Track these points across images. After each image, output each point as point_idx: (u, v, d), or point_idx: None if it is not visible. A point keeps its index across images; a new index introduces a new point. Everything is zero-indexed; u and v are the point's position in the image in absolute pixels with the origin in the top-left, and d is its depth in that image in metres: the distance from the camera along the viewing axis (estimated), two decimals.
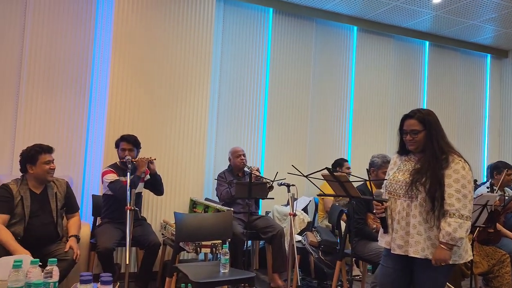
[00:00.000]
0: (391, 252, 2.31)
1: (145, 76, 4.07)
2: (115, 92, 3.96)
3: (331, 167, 4.81)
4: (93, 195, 3.82)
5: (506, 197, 4.20)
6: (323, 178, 2.31)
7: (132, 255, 3.90)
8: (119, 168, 3.60)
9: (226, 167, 4.28)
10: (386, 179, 2.34)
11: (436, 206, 2.18)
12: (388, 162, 3.02)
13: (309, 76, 5.15)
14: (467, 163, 2.26)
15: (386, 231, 2.32)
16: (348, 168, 4.72)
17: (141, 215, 3.80)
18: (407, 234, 2.24)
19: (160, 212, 4.09)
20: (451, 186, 2.17)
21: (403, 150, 2.40)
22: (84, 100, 4.06)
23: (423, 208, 2.20)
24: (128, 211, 3.05)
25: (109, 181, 3.47)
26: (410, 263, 2.32)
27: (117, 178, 3.50)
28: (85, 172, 4.05)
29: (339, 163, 4.76)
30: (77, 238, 3.09)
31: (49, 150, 3.06)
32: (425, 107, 5.63)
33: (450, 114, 6.04)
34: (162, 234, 3.85)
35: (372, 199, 2.29)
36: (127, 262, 2.92)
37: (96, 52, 4.10)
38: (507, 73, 6.42)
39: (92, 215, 3.76)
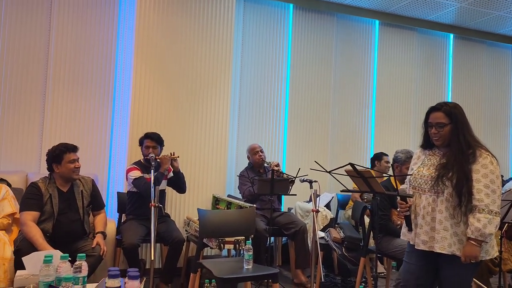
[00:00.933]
0: (415, 247, 2.28)
1: (167, 76, 4.12)
2: (138, 92, 4.01)
3: (370, 160, 4.76)
4: (118, 193, 3.89)
5: None
6: (346, 174, 2.29)
7: (157, 251, 3.96)
8: (143, 166, 3.66)
9: (246, 165, 4.29)
10: (410, 174, 2.30)
11: (463, 201, 2.13)
12: (412, 157, 2.96)
13: (331, 71, 5.11)
14: (495, 157, 2.21)
15: (410, 229, 2.29)
16: (387, 162, 4.60)
17: (165, 212, 3.85)
18: (432, 229, 2.20)
19: (183, 209, 4.14)
20: (479, 181, 2.12)
21: (427, 144, 2.36)
22: (108, 100, 4.14)
23: (450, 203, 2.16)
24: (152, 208, 3.11)
25: (134, 177, 3.53)
26: (434, 259, 2.29)
27: (141, 175, 3.55)
28: (110, 170, 4.13)
29: (378, 157, 4.65)
30: (104, 235, 3.15)
31: (73, 149, 3.12)
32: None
33: (475, 108, 5.90)
34: (186, 230, 3.89)
35: (396, 194, 2.26)
36: (152, 258, 2.97)
37: (119, 53, 4.17)
38: None
39: (118, 212, 3.83)
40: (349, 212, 4.61)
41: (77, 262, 1.73)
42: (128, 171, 3.60)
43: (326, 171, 2.36)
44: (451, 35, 5.80)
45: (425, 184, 2.25)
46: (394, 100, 5.41)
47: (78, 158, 3.14)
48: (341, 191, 2.55)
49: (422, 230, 2.24)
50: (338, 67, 5.19)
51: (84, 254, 1.79)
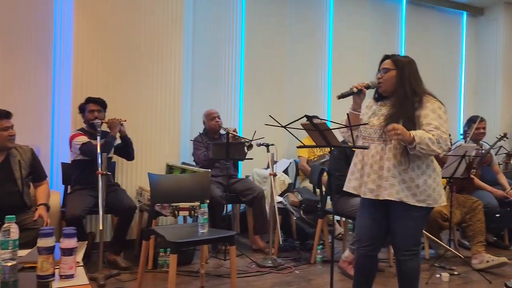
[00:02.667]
0: (362, 196, 2.28)
1: (112, 36, 3.83)
2: (80, 54, 3.71)
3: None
4: (62, 163, 3.64)
5: (482, 151, 4.23)
6: (302, 128, 2.21)
7: (108, 223, 3.77)
8: (88, 132, 3.43)
9: (202, 131, 4.15)
10: (366, 123, 2.26)
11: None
12: None
13: (286, 35, 4.99)
14: (444, 105, 2.23)
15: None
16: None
17: (115, 181, 3.66)
18: (380, 178, 2.20)
19: (135, 178, 3.93)
20: (427, 116, 2.14)
21: (379, 96, 2.35)
22: (47, 62, 3.79)
23: (397, 150, 2.16)
24: (100, 176, 2.93)
25: (81, 143, 3.30)
26: (385, 212, 2.29)
27: (88, 140, 3.33)
28: (53, 140, 3.85)
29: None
30: (47, 207, 2.96)
31: (6, 115, 2.88)
32: None
33: (427, 73, 5.86)
34: (139, 201, 3.72)
35: (352, 147, 2.21)
36: (101, 228, 2.81)
37: (58, 9, 3.82)
38: (483, 31, 6.38)
39: (63, 183, 3.60)
40: (304, 183, 4.60)
41: (5, 225, 1.55)
42: (73, 137, 3.36)
43: (281, 126, 2.26)
44: (404, 1, 5.82)
45: (375, 133, 2.24)
46: (350, 63, 5.37)
47: (12, 125, 2.90)
48: (297, 147, 2.48)
49: (370, 179, 2.23)
50: (294, 30, 5.07)
51: (14, 216, 1.60)
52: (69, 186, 3.54)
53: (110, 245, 3.35)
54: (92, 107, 3.42)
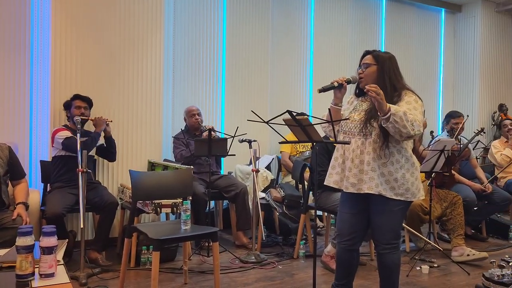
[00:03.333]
0: (344, 190, 2.30)
1: (91, 33, 3.76)
2: (58, 51, 3.64)
3: None
4: (41, 161, 3.57)
5: (461, 146, 4.31)
6: (284, 123, 2.21)
7: (89, 221, 3.72)
8: (71, 129, 3.41)
9: (183, 128, 4.13)
10: (347, 119, 2.29)
11: (389, 141, 2.18)
12: None
13: (268, 32, 4.98)
14: (421, 99, 2.26)
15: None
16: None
17: (96, 179, 3.62)
18: (360, 172, 2.22)
19: (116, 176, 3.89)
20: (402, 106, 2.15)
21: (360, 92, 2.37)
22: (25, 59, 3.71)
23: (377, 144, 2.19)
24: (80, 173, 2.89)
25: (64, 137, 3.27)
26: (366, 206, 2.32)
27: (72, 135, 3.29)
28: (32, 138, 3.77)
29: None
30: (26, 205, 2.90)
31: None
32: None
33: (406, 69, 6.07)
34: (120, 198, 3.68)
35: (334, 142, 2.23)
36: (82, 226, 2.77)
37: (35, 4, 3.73)
38: (460, 27, 6.51)
39: (42, 182, 3.53)
40: (286, 179, 4.63)
41: None
42: (56, 132, 3.33)
43: (263, 121, 2.26)
44: None
45: (355, 128, 2.27)
46: (331, 59, 5.41)
47: None
48: (280, 142, 2.49)
49: (351, 173, 2.25)
50: (276, 27, 5.07)
51: None
52: (48, 185, 3.47)
53: (92, 243, 3.31)
54: (79, 103, 3.40)
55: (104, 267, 3.17)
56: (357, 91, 2.40)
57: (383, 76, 2.24)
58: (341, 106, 2.35)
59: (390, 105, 2.07)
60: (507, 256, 2.24)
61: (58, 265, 1.64)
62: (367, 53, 2.33)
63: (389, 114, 2.05)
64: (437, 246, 3.61)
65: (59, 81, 3.65)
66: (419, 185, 2.29)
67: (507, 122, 4.87)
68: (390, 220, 2.27)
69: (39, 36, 3.75)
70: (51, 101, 3.62)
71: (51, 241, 1.51)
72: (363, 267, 3.39)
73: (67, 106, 3.45)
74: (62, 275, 1.63)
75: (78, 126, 3.14)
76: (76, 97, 3.44)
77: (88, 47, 3.75)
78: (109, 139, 3.57)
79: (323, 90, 2.23)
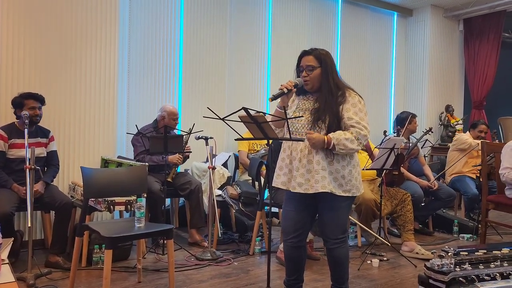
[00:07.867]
0: (291, 191, 2.32)
1: (42, 27, 3.61)
2: (5, 45, 3.46)
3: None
4: None
5: (410, 144, 4.51)
6: (240, 120, 2.23)
7: (38, 220, 3.58)
8: (18, 130, 3.23)
9: (150, 123, 4.04)
10: (296, 117, 2.32)
11: None
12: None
13: (226, 27, 4.97)
14: (362, 98, 2.34)
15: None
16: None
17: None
18: (308, 171, 2.26)
19: (67, 174, 3.76)
20: (348, 110, 2.25)
21: (300, 90, 2.39)
22: None
23: None
24: (28, 170, 2.77)
25: None
26: (312, 204, 2.36)
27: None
28: None
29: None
30: None
31: None
32: (338, 64, 5.79)
33: (360, 70, 6.27)
34: (72, 196, 3.55)
35: (289, 139, 2.27)
36: (29, 225, 2.66)
37: None
38: (411, 31, 6.78)
39: None
40: (243, 176, 4.65)
41: None
42: None
43: (219, 118, 2.27)
44: (340, 0, 6.02)
45: (302, 128, 2.31)
46: (288, 57, 5.45)
47: None
48: (236, 139, 2.50)
49: (299, 173, 2.28)
50: (233, 22, 5.06)
51: None
52: None
53: (50, 247, 3.18)
54: (33, 103, 3.19)
55: (65, 269, 3.04)
56: (297, 91, 2.41)
57: (327, 77, 2.29)
58: (287, 109, 2.37)
59: (331, 135, 2.17)
60: (446, 247, 2.38)
61: (2, 264, 1.58)
62: (305, 53, 2.35)
63: (332, 144, 2.16)
64: (387, 241, 3.76)
65: (5, 78, 3.47)
66: (360, 180, 2.38)
67: (483, 127, 5.03)
68: (339, 216, 2.34)
69: None
70: None
71: None
72: (317, 262, 3.47)
73: (19, 104, 3.21)
74: (6, 274, 1.57)
75: (26, 121, 3.00)
76: (29, 96, 3.22)
77: (38, 43, 3.60)
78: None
79: (274, 98, 2.27)
